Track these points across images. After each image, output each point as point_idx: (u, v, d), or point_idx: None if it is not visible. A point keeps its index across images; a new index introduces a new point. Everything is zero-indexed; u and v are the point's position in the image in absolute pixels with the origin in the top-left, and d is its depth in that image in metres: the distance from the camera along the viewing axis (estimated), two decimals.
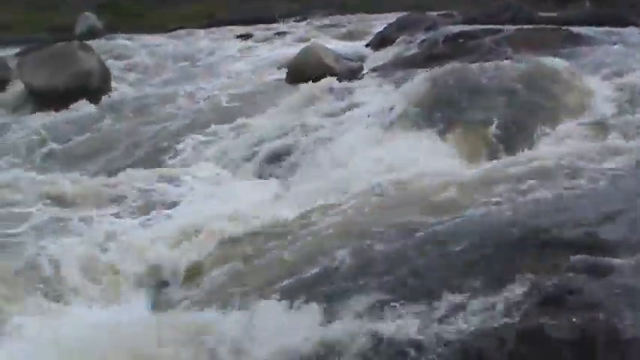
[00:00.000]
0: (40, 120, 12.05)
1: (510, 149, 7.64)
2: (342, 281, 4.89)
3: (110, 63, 14.93)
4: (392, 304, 4.29)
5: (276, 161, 9.08)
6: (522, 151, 7.45)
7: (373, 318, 4.23)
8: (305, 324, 4.34)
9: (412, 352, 3.86)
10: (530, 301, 3.96)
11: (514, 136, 7.91)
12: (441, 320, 4.03)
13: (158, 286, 6.18)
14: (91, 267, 6.21)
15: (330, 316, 4.36)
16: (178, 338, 4.40)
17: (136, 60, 16.35)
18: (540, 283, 4.08)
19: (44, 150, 10.92)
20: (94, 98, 12.85)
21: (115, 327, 4.80)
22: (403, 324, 4.06)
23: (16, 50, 17.86)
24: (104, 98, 13.17)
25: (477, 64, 9.61)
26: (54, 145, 11.03)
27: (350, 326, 4.19)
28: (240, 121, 10.80)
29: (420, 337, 3.93)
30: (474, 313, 4.01)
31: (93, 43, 16.82)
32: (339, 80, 11.68)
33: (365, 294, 4.53)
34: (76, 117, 12.00)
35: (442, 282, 4.41)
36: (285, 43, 18.94)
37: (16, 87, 13.92)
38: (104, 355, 4.37)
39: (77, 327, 5.07)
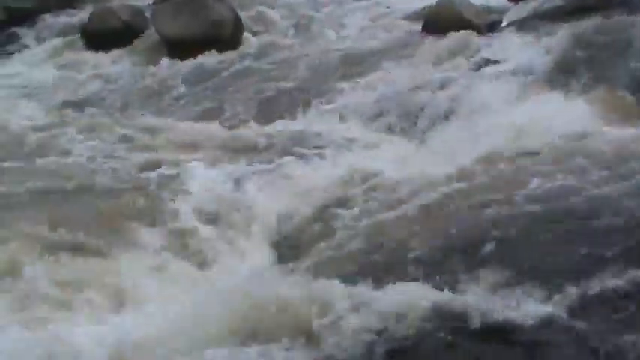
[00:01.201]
0: (171, 69, 12.05)
1: None
2: (466, 253, 4.59)
3: (243, 13, 14.78)
4: (518, 284, 3.95)
5: (408, 117, 8.71)
6: None
7: (495, 297, 3.91)
8: (428, 296, 4.01)
9: (537, 342, 3.54)
10: None
11: None
12: (567, 311, 3.67)
13: (282, 242, 6.01)
14: (217, 217, 6.12)
15: (452, 291, 4.04)
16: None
17: (267, 11, 16.11)
18: None
19: (174, 98, 10.94)
20: (225, 48, 12.67)
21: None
22: (530, 309, 3.72)
23: None
24: (235, 48, 13.05)
25: (627, 18, 9.01)
26: (183, 94, 11.04)
27: (470, 303, 3.87)
28: (372, 73, 10.40)
29: (544, 328, 3.60)
30: (605, 307, 3.64)
31: None
32: (478, 33, 11.21)
33: (492, 270, 4.19)
34: (206, 66, 11.84)
35: (574, 264, 4.05)
36: None
37: (152, 35, 14.00)
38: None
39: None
